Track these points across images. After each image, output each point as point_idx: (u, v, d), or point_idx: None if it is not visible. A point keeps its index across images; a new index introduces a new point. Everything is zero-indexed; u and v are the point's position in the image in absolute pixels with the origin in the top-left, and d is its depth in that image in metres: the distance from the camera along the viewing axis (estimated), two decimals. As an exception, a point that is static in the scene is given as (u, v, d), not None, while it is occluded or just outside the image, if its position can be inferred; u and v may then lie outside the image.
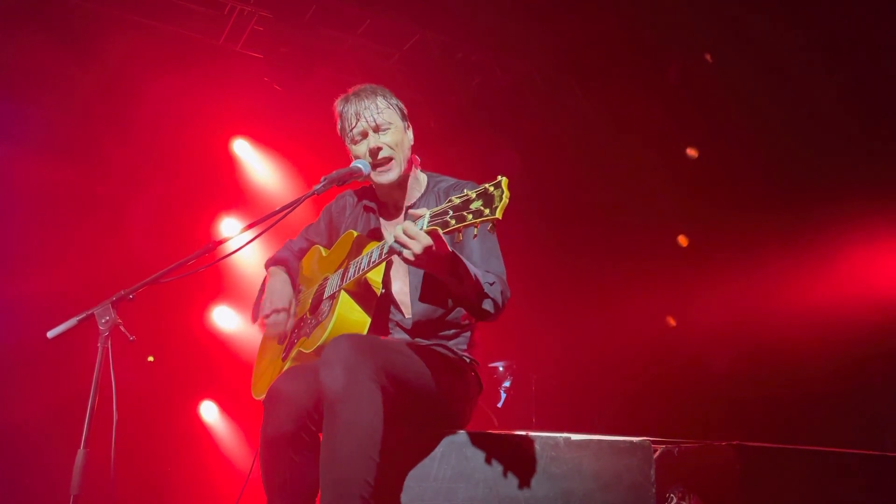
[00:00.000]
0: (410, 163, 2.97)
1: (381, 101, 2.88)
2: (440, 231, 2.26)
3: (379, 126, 2.85)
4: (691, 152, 6.22)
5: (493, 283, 2.60)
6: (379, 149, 2.84)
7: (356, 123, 2.86)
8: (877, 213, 4.88)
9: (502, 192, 2.16)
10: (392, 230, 2.42)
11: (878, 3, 4.86)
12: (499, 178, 2.20)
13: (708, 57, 5.90)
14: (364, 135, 2.86)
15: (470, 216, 2.18)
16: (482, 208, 2.17)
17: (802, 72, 5.25)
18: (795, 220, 5.34)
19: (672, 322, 6.46)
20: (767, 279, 5.53)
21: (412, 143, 2.98)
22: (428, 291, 2.75)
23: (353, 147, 2.91)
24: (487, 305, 2.56)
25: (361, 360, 2.36)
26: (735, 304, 5.66)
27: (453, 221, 2.22)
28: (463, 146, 7.12)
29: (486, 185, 2.20)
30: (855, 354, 4.88)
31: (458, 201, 2.24)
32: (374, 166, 2.86)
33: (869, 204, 4.90)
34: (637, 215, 6.57)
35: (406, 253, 2.30)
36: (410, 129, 2.99)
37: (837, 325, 4.95)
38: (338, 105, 2.95)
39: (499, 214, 2.14)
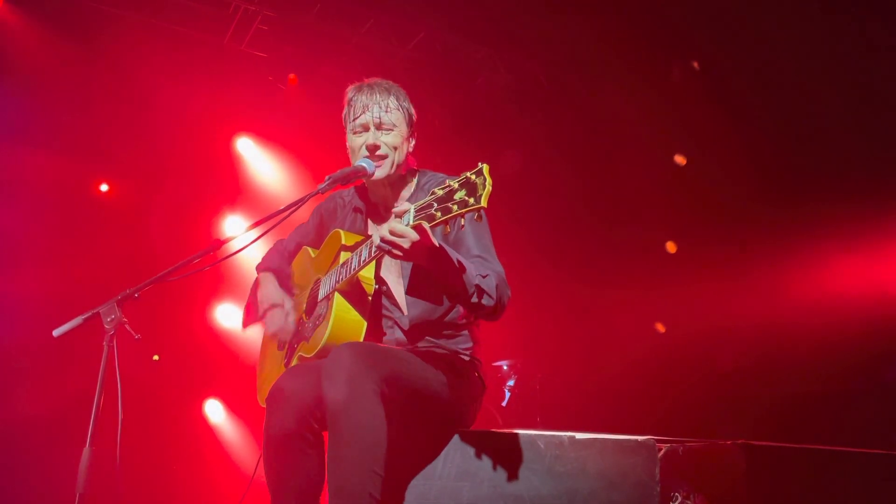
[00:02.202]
0: (405, 167, 2.92)
1: (392, 101, 2.83)
2: (426, 225, 2.23)
3: (382, 124, 2.80)
4: (679, 160, 6.25)
5: (487, 276, 2.55)
6: (377, 146, 2.79)
7: (361, 115, 2.81)
8: (881, 211, 4.87)
9: (485, 179, 2.11)
10: (380, 230, 2.40)
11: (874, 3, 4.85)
12: (479, 164, 2.16)
13: (696, 65, 5.93)
14: (366, 128, 2.81)
15: (455, 207, 2.14)
16: (466, 198, 2.13)
17: (798, 73, 5.26)
18: (801, 219, 5.33)
19: (661, 328, 6.48)
20: (773, 277, 5.51)
21: (411, 150, 2.93)
22: (417, 285, 2.74)
23: (352, 137, 2.86)
24: (480, 298, 2.51)
25: (364, 370, 2.34)
26: (740, 303, 5.64)
27: (439, 214, 2.19)
28: (466, 145, 7.12)
29: (468, 174, 2.16)
30: (861, 353, 4.87)
31: (441, 193, 2.21)
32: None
33: (873, 203, 4.89)
34: (642, 213, 6.56)
35: (395, 251, 2.30)
36: (414, 138, 2.93)
37: (844, 323, 4.93)
38: (349, 91, 2.89)
39: (484, 202, 2.09)
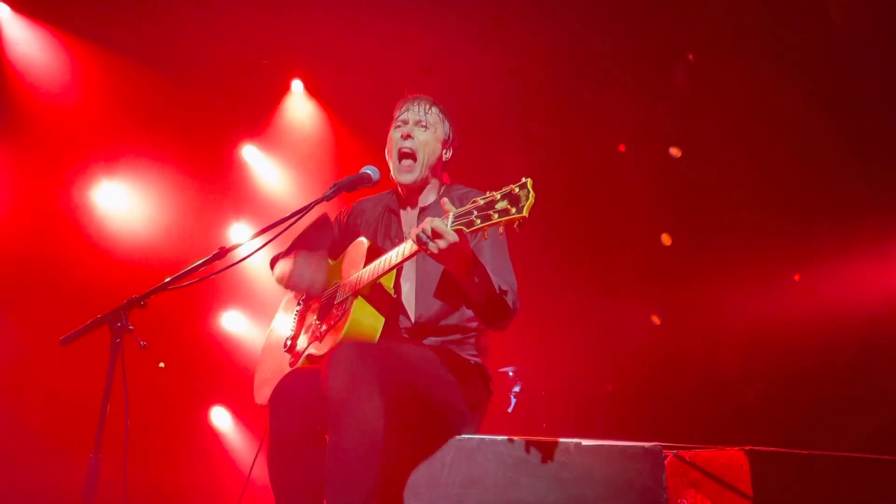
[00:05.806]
0: (433, 170, 3.03)
1: (434, 109, 3.04)
2: (465, 230, 2.30)
3: (419, 121, 2.99)
4: (674, 152, 6.24)
5: (507, 291, 2.64)
6: (409, 137, 2.95)
7: (404, 111, 3.03)
8: (887, 215, 4.86)
9: (528, 191, 2.21)
10: (410, 230, 2.46)
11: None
12: (523, 179, 2.23)
13: (690, 56, 5.92)
14: (405, 122, 3.00)
15: (496, 215, 2.23)
16: (508, 207, 2.21)
17: (801, 73, 5.26)
18: (808, 225, 5.32)
19: (657, 321, 6.46)
20: (779, 284, 5.50)
21: (440, 158, 3.05)
22: (443, 290, 2.79)
23: (392, 132, 3.03)
24: (500, 310, 2.61)
25: (365, 366, 2.36)
26: (746, 309, 5.63)
27: (478, 221, 2.27)
28: (470, 150, 7.11)
29: (512, 186, 2.25)
30: (867, 358, 4.85)
31: (482, 202, 2.29)
32: (400, 157, 2.97)
33: (885, 207, 4.88)
34: (651, 221, 6.56)
35: (431, 246, 2.33)
36: (450, 150, 3.09)
37: (849, 328, 4.92)
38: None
39: (526, 213, 2.18)
